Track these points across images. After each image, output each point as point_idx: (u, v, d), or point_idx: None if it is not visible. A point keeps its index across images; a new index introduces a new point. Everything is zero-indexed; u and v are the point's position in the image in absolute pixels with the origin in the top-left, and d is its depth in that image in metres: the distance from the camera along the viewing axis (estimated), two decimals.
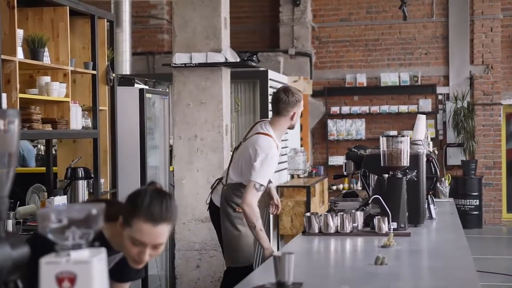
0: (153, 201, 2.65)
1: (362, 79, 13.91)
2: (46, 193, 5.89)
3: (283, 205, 9.18)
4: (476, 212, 13.23)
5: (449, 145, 13.64)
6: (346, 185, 13.65)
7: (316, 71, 14.17)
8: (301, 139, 13.26)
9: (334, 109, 13.94)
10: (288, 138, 11.21)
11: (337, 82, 14.13)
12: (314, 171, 11.44)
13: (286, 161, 10.61)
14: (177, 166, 6.44)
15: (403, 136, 4.94)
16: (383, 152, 4.92)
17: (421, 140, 5.75)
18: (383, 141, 4.93)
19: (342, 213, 4.79)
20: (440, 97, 13.81)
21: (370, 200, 4.94)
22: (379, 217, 4.70)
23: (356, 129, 13.87)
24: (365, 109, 13.82)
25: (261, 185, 4.91)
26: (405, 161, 4.89)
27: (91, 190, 6.04)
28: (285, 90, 5.18)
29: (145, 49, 14.43)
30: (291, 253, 3.05)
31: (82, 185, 5.86)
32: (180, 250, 6.64)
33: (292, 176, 10.96)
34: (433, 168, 5.56)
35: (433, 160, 5.54)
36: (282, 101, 5.08)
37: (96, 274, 1.95)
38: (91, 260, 1.94)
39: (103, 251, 2.03)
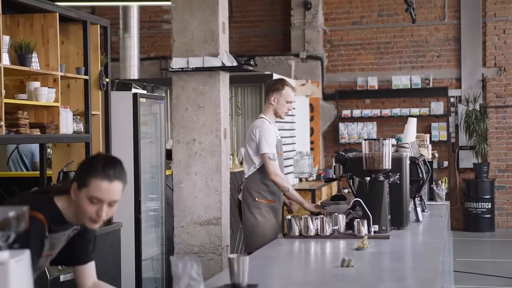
0: (107, 164, 3.00)
1: (373, 82, 13.89)
2: None
3: None
4: (488, 215, 13.15)
5: (461, 148, 13.58)
6: None
7: (328, 75, 14.17)
8: (312, 142, 13.29)
9: (346, 112, 13.92)
10: (296, 142, 11.26)
11: (348, 85, 14.12)
12: (322, 175, 11.42)
13: (292, 165, 10.64)
14: (176, 170, 6.47)
15: (385, 139, 4.96)
16: (365, 155, 4.95)
17: (408, 143, 5.76)
18: (364, 144, 4.96)
19: (322, 216, 4.82)
20: (452, 99, 13.72)
21: (351, 203, 4.96)
22: (358, 220, 4.71)
23: (368, 132, 13.83)
24: (376, 112, 13.79)
25: (273, 154, 5.58)
26: (387, 164, 4.90)
27: None
28: (276, 79, 6.05)
29: (158, 53, 14.51)
30: (246, 255, 3.09)
31: None
32: (179, 253, 6.66)
33: (300, 180, 10.97)
34: (419, 171, 5.56)
35: (419, 163, 5.54)
36: (268, 85, 5.91)
37: (13, 276, 1.99)
38: (8, 261, 1.99)
39: (25, 253, 2.08)
